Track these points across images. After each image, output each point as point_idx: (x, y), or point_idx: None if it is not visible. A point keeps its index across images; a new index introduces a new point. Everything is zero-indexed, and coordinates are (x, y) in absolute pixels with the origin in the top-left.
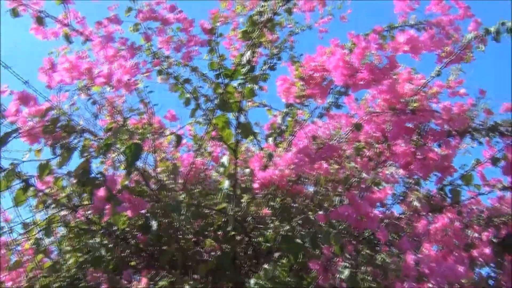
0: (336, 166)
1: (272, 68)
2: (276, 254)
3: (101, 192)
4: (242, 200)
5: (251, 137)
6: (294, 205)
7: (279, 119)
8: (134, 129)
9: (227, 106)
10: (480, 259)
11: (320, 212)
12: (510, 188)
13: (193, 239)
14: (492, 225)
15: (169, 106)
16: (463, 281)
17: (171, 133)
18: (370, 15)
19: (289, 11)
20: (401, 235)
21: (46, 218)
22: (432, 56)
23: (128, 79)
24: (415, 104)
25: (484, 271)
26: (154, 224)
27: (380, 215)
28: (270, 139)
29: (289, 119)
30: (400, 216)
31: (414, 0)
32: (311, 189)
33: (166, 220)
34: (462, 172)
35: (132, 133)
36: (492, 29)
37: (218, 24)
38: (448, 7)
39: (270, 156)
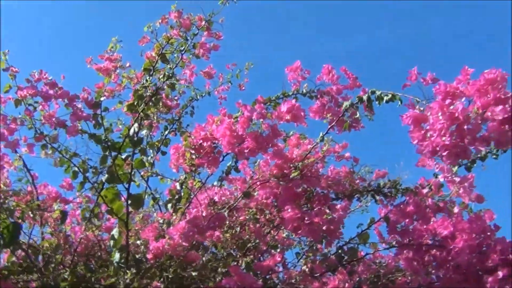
0: (228, 234)
1: (172, 133)
2: None
3: None
4: (126, 276)
5: (152, 203)
6: (187, 275)
7: (178, 185)
8: (16, 206)
9: (115, 178)
10: None
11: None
12: (400, 246)
13: None
14: (380, 285)
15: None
16: None
17: (57, 209)
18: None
19: (172, 87)
20: None
21: None
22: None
23: None
24: (297, 172)
25: None
26: None
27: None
28: (169, 205)
29: (184, 186)
30: (296, 278)
31: (305, 70)
32: (207, 256)
33: None
34: (359, 231)
35: (11, 212)
36: (364, 97)
37: (103, 98)
38: (337, 77)
39: (168, 224)
